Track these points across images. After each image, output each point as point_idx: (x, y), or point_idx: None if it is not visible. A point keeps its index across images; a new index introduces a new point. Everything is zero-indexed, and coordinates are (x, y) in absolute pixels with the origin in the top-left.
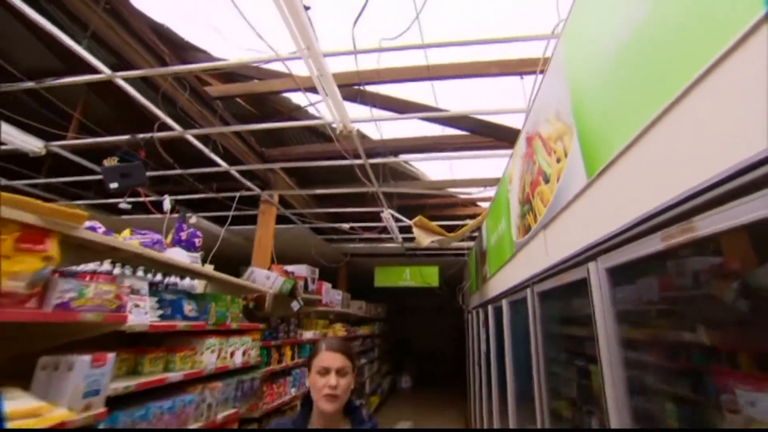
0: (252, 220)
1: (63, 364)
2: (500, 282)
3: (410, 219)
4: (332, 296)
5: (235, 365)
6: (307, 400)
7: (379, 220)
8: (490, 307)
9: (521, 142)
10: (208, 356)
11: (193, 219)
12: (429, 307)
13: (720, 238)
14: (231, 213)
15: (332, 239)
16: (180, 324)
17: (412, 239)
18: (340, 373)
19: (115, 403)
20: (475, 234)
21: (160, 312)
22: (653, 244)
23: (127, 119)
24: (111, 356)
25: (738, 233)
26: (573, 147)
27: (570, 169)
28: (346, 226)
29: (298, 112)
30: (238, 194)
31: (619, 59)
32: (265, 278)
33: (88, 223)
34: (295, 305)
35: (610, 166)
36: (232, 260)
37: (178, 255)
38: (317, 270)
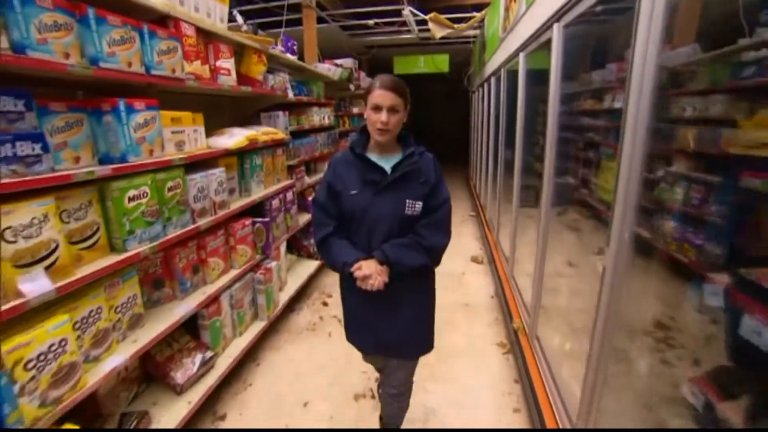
0: (294, 24)
1: (273, 116)
2: (491, 64)
3: (425, 14)
4: (367, 81)
5: (326, 124)
6: (364, 129)
7: (399, 16)
8: (485, 84)
9: None
10: (315, 117)
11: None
12: (439, 93)
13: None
14: (284, 17)
15: (357, 34)
16: (304, 99)
17: (427, 30)
18: (391, 110)
19: (293, 134)
20: (479, 25)
21: (295, 92)
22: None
23: None
24: (285, 113)
25: None
26: None
27: None
28: (371, 22)
29: None
30: (286, 2)
31: None
32: (327, 69)
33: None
34: (351, 87)
35: None
36: None
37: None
38: (357, 61)
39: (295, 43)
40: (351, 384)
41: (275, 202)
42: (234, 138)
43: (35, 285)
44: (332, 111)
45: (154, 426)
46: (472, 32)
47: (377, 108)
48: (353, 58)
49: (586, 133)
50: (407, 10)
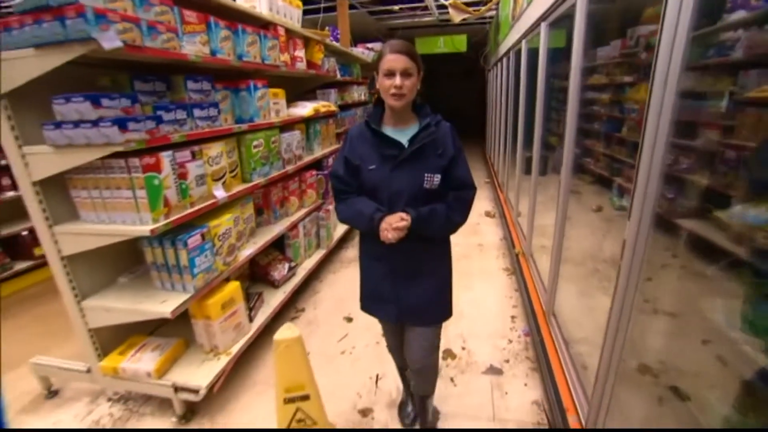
0: (326, 10)
1: (326, 92)
2: (504, 44)
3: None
4: None
5: (362, 99)
6: (379, 100)
7: (421, 1)
8: (499, 63)
9: None
10: (355, 93)
11: None
12: (457, 71)
13: None
14: (322, 5)
15: (383, 18)
16: (347, 78)
17: (447, 13)
18: (404, 74)
19: (340, 108)
20: (495, 8)
21: (341, 73)
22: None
23: None
24: (335, 90)
25: None
26: None
27: None
28: (396, 7)
29: None
30: None
31: None
32: (362, 53)
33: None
34: None
35: None
36: None
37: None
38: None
39: (339, 32)
40: None
41: (330, 160)
42: (305, 109)
43: (219, 191)
44: (366, 88)
45: (265, 305)
46: (488, 13)
47: (390, 73)
48: (382, 42)
49: (590, 107)
50: None
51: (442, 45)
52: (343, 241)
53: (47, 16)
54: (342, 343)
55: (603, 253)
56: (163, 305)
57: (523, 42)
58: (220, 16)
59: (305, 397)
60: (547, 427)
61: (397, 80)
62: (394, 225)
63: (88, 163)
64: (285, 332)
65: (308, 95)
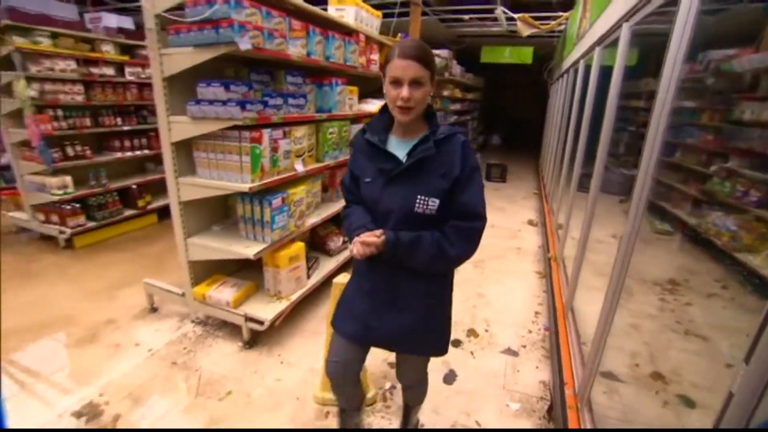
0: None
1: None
2: (568, 60)
3: (514, 12)
4: (456, 69)
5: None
6: (386, 107)
7: (491, 12)
8: (561, 78)
9: None
10: None
11: None
12: (520, 82)
13: None
14: (396, 10)
15: (452, 26)
16: None
17: (515, 25)
18: (414, 83)
19: None
20: (565, 23)
21: None
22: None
23: None
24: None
25: None
26: None
27: None
28: (466, 17)
29: None
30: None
31: None
32: None
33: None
34: (446, 74)
35: None
36: None
37: None
38: (451, 52)
39: (407, 36)
40: None
41: None
42: (373, 106)
43: (299, 166)
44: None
45: (320, 268)
46: (558, 27)
47: (397, 82)
48: (449, 49)
49: (642, 128)
50: (499, 10)
51: (508, 55)
52: None
53: (208, 26)
54: None
55: (630, 271)
56: (248, 249)
57: (582, 62)
58: (316, 25)
59: None
60: (548, 402)
61: (404, 92)
62: (361, 239)
63: (212, 132)
64: (342, 278)
65: (375, 93)
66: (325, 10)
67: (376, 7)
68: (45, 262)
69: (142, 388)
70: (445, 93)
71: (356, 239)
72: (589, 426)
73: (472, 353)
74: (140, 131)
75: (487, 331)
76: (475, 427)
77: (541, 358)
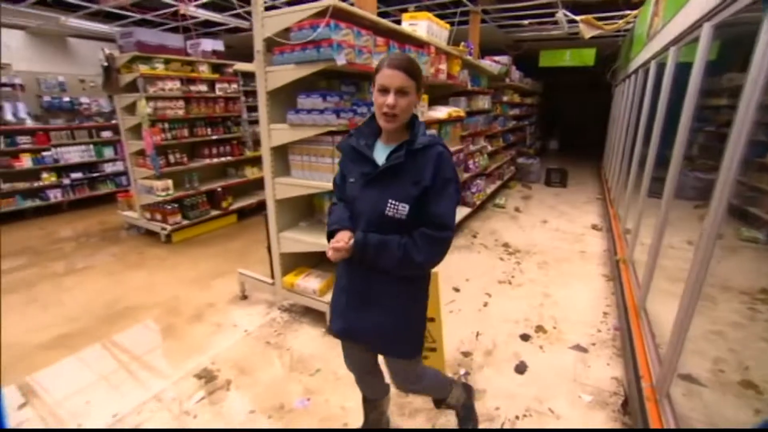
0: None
1: (457, 100)
2: (636, 60)
3: (576, 15)
4: (516, 75)
5: (485, 108)
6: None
7: (551, 16)
8: (628, 79)
9: None
10: (480, 102)
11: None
12: (580, 84)
13: None
14: (456, 19)
15: (510, 31)
16: (476, 88)
17: (577, 26)
18: (399, 92)
19: (466, 114)
20: (632, 21)
21: (471, 83)
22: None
23: None
24: (465, 99)
25: None
26: None
27: None
28: (526, 22)
29: None
30: (459, 9)
31: None
32: (489, 65)
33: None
34: (507, 80)
35: None
36: None
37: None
38: (510, 57)
39: (473, 46)
40: (495, 273)
41: (454, 159)
42: (441, 113)
43: None
44: (490, 98)
45: None
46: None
47: (384, 90)
48: (508, 55)
49: (723, 127)
50: (560, 13)
51: (568, 58)
52: (456, 230)
53: (310, 45)
54: (450, 305)
55: (711, 278)
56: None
57: (654, 62)
58: (395, 40)
59: (431, 320)
60: (623, 397)
61: (390, 99)
62: (332, 244)
63: (307, 137)
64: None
65: (442, 101)
66: (398, 23)
67: (438, 17)
68: (149, 254)
69: (244, 360)
70: (505, 98)
71: (329, 245)
72: (671, 421)
73: (541, 347)
74: (224, 140)
75: (555, 328)
76: (548, 414)
77: (612, 355)
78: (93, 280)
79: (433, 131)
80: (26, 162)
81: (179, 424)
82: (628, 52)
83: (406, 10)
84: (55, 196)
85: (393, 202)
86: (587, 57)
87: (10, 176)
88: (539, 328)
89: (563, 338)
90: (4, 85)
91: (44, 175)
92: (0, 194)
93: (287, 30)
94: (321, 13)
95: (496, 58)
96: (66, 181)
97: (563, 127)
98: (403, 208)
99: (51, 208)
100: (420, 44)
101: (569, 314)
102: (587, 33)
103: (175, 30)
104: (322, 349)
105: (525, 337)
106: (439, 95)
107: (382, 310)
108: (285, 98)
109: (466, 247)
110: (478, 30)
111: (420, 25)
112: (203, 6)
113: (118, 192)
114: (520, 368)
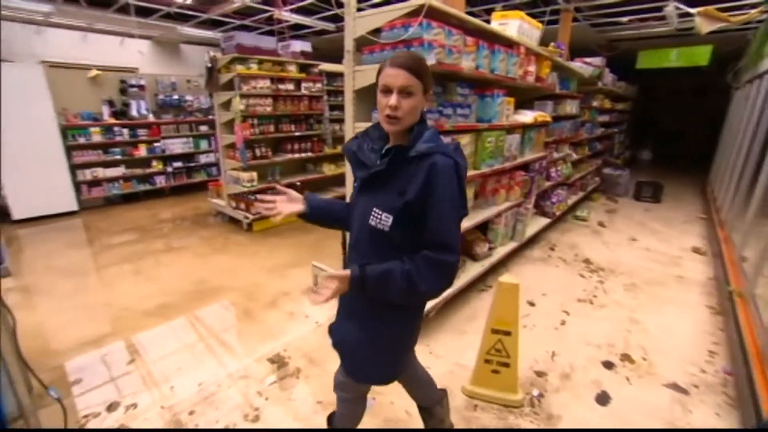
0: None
1: (544, 104)
2: None
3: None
4: (609, 79)
5: (572, 113)
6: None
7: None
8: (757, 80)
9: None
10: (567, 107)
11: None
12: (684, 88)
13: None
14: (546, 18)
15: (605, 30)
16: (564, 92)
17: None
18: (403, 92)
19: (552, 119)
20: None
21: (560, 86)
22: None
23: None
24: (552, 103)
25: None
26: None
27: None
28: (624, 19)
29: None
30: (549, 8)
31: None
32: (579, 66)
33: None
34: (600, 84)
35: None
36: None
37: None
38: (604, 60)
39: (564, 47)
40: (574, 290)
41: (536, 165)
42: (527, 117)
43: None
44: (579, 103)
45: (466, 272)
46: (760, 17)
47: (386, 90)
48: (602, 56)
49: None
50: (671, 6)
51: (674, 58)
52: (531, 241)
53: (401, 45)
54: (524, 319)
55: None
56: None
57: None
58: (485, 39)
59: (507, 333)
60: None
61: (393, 99)
62: (314, 288)
63: None
64: (507, 277)
65: (527, 104)
66: (488, 22)
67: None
68: (232, 240)
69: (314, 351)
70: (594, 103)
71: (320, 282)
72: None
73: (627, 379)
74: (306, 137)
75: (644, 359)
76: None
77: (722, 404)
78: (185, 259)
79: (516, 135)
80: (142, 151)
81: (253, 403)
82: (761, 47)
83: (493, 10)
84: (160, 182)
85: (377, 211)
86: (700, 56)
87: (130, 163)
88: (625, 357)
89: (655, 372)
90: (133, 86)
91: (154, 163)
92: (124, 178)
93: (378, 30)
94: (412, 13)
95: (588, 59)
96: (169, 169)
97: (658, 135)
98: (386, 219)
99: (156, 192)
100: (509, 44)
101: (663, 346)
102: (705, 27)
103: (269, 33)
104: None
105: (608, 365)
106: (526, 98)
107: (357, 323)
108: (371, 97)
109: (542, 260)
110: (569, 30)
111: (510, 24)
112: (295, 11)
113: (209, 181)
114: (602, 399)
